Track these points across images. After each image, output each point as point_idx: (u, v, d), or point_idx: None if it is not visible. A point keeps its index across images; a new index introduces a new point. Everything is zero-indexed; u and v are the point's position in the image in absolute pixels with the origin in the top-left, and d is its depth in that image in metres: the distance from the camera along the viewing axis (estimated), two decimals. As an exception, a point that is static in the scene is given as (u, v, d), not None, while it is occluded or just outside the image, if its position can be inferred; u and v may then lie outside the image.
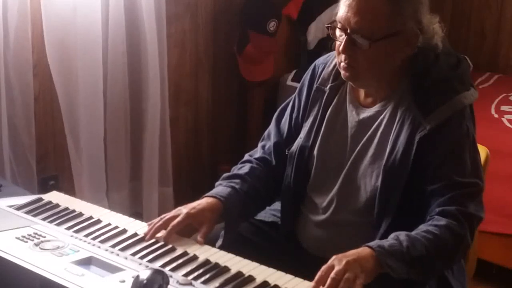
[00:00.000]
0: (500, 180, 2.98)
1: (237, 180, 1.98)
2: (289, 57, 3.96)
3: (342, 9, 1.81)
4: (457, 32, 4.32)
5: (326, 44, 3.89)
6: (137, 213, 3.34)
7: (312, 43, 3.88)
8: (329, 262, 1.60)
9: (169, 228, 1.80)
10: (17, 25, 2.84)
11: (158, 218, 1.84)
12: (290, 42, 3.94)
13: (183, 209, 1.86)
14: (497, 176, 2.81)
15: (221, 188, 1.96)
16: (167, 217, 1.84)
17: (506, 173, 3.02)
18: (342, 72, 1.86)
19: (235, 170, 2.05)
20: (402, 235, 1.69)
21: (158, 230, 1.80)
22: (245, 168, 2.03)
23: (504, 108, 3.52)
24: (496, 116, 3.43)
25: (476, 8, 4.33)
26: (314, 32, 3.87)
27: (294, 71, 3.80)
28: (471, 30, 4.35)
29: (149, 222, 1.84)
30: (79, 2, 2.96)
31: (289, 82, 3.73)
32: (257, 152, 2.09)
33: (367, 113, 1.90)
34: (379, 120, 1.88)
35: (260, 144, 2.12)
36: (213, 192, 1.94)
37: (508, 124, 3.34)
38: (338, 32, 1.84)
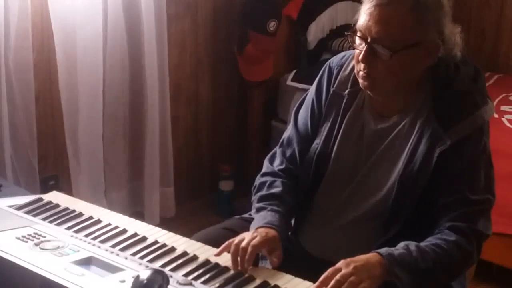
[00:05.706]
0: (500, 180, 2.94)
1: (277, 202, 1.90)
2: (289, 57, 3.96)
3: (363, 18, 1.76)
4: (457, 32, 4.32)
5: (326, 44, 3.94)
6: (137, 213, 3.35)
7: (312, 43, 3.89)
8: (337, 265, 1.59)
9: (249, 249, 1.69)
10: (18, 26, 2.84)
11: (230, 246, 1.72)
12: (290, 42, 3.94)
13: (249, 234, 1.76)
14: (497, 176, 2.79)
15: (268, 214, 1.86)
16: (244, 242, 1.71)
17: (506, 173, 3.01)
18: (361, 81, 1.82)
19: (265, 187, 1.95)
20: (412, 245, 1.68)
21: (243, 259, 1.67)
22: (278, 185, 1.94)
23: (504, 108, 3.52)
24: (496, 116, 3.41)
25: (476, 8, 4.33)
26: (314, 32, 3.87)
27: (294, 71, 3.80)
28: (471, 30, 4.34)
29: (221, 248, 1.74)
30: (79, 2, 2.96)
31: (289, 82, 3.73)
32: (278, 160, 2.01)
33: (385, 123, 1.86)
34: (397, 130, 1.84)
35: (279, 150, 2.03)
36: (265, 221, 1.83)
37: (508, 124, 3.33)
38: (357, 40, 1.79)
